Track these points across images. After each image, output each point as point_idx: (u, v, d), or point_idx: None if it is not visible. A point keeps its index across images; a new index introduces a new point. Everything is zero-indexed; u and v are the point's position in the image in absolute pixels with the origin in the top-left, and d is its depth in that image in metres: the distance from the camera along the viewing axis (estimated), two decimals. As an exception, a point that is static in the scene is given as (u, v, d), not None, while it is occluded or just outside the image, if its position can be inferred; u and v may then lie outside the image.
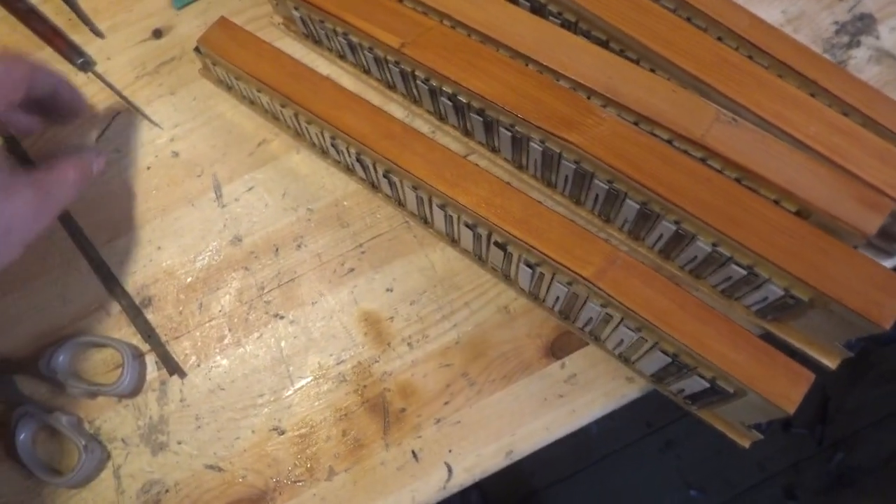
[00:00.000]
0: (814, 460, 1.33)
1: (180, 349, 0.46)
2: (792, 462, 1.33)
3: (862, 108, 0.39)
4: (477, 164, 0.39)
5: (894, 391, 1.34)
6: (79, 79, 0.52)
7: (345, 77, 0.50)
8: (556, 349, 0.43)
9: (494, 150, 0.45)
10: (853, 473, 1.31)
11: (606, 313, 0.37)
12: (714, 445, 1.34)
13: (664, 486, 1.34)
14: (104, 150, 0.46)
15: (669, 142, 0.38)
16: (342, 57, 0.49)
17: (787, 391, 0.33)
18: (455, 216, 0.40)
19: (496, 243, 0.39)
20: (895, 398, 1.33)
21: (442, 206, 0.40)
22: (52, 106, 0.43)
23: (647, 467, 1.35)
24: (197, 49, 0.48)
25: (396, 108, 0.48)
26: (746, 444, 0.40)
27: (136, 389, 0.45)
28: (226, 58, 0.45)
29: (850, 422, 1.33)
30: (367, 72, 0.49)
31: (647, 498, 1.34)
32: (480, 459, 0.42)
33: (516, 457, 0.42)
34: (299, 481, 0.42)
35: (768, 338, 0.38)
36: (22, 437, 0.44)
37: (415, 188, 0.41)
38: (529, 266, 0.38)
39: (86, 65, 0.52)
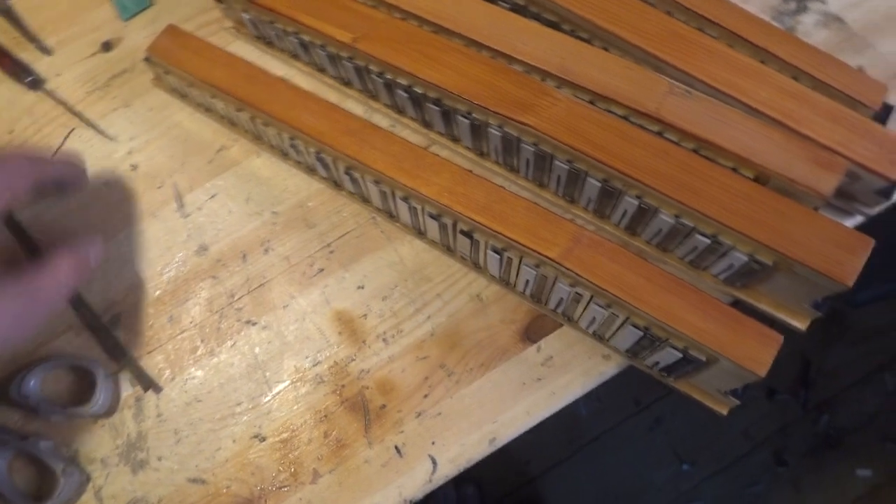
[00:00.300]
0: (800, 424, 1.35)
1: (153, 364, 0.45)
2: (779, 428, 1.35)
3: (811, 72, 0.40)
4: (437, 155, 0.39)
5: (871, 350, 1.36)
6: (28, 97, 0.51)
7: (300, 77, 0.50)
8: (531, 333, 0.43)
9: (455, 140, 0.45)
10: (839, 434, 1.34)
11: (576, 293, 0.37)
12: (701, 419, 1.36)
13: (656, 462, 1.35)
14: (96, 235, 0.43)
15: (625, 118, 0.38)
16: (295, 57, 0.49)
17: (758, 354, 0.33)
18: (419, 208, 0.40)
19: (462, 232, 0.39)
20: (872, 357, 1.36)
21: (405, 199, 0.40)
22: (55, 189, 0.42)
23: (638, 445, 1.37)
24: (147, 59, 0.47)
25: (354, 105, 0.48)
26: (724, 410, 0.40)
27: (111, 409, 0.44)
28: (177, 66, 0.45)
29: (831, 384, 1.36)
30: (321, 70, 0.48)
31: (640, 474, 1.35)
32: (464, 449, 0.42)
33: (500, 443, 0.42)
34: (284, 487, 0.42)
35: (738, 305, 0.38)
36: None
37: (377, 182, 0.41)
38: (497, 252, 0.38)
39: (35, 83, 0.51)
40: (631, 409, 1.39)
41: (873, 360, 1.37)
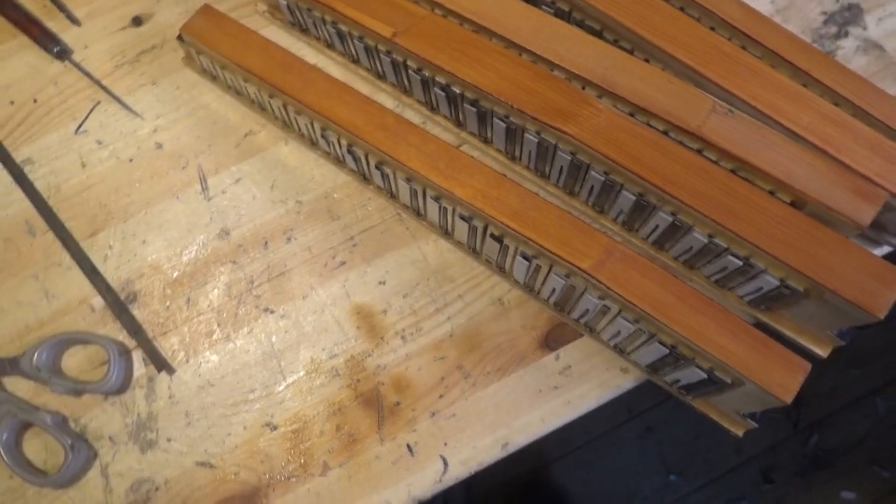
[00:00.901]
0: (789, 443, 1.35)
1: (168, 345, 0.45)
2: (769, 445, 1.36)
3: (853, 99, 0.39)
4: (471, 156, 0.39)
5: (866, 374, 1.37)
6: (55, 67, 0.51)
7: (332, 67, 0.49)
8: (551, 341, 0.43)
9: (486, 141, 0.45)
10: (828, 455, 1.34)
11: (604, 305, 0.37)
12: (693, 430, 1.36)
13: (644, 470, 1.36)
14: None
15: (665, 133, 0.38)
16: (330, 46, 0.49)
17: (785, 381, 0.33)
18: (450, 208, 0.40)
19: (492, 236, 0.39)
20: (867, 381, 1.36)
21: (436, 199, 0.40)
22: None
23: (627, 453, 1.37)
24: (180, 37, 0.46)
25: (386, 99, 0.48)
26: (740, 432, 0.40)
27: (122, 386, 0.44)
28: (211, 47, 0.44)
29: (824, 404, 1.36)
30: (355, 61, 0.48)
31: (628, 482, 1.35)
32: (476, 452, 0.42)
33: (512, 448, 0.42)
34: (293, 477, 0.42)
35: (760, 327, 0.38)
36: (4, 437, 0.42)
37: (408, 180, 0.40)
38: (526, 258, 0.38)
39: (62, 53, 0.50)
40: (623, 416, 1.39)
41: (867, 384, 1.37)
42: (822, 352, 0.40)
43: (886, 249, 0.43)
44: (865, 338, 1.35)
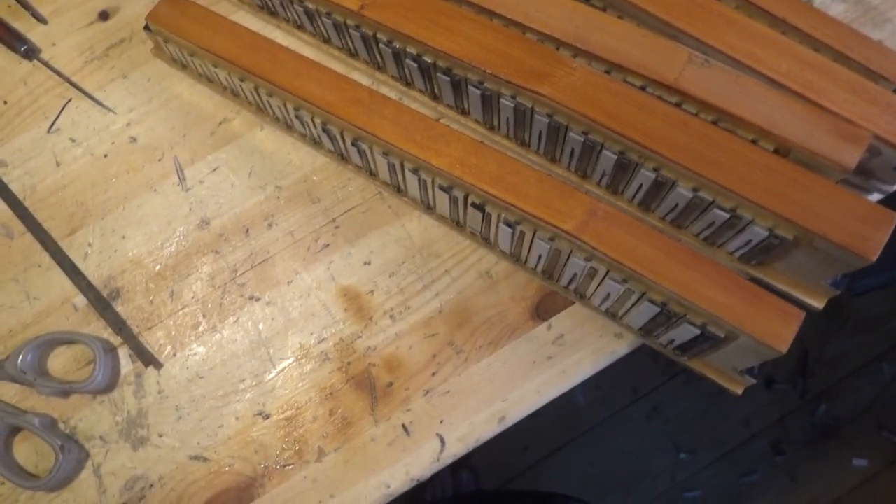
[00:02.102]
0: (798, 414, 1.35)
1: (154, 340, 0.44)
2: (777, 417, 1.35)
3: (832, 44, 0.38)
4: (448, 126, 0.38)
5: (870, 341, 1.36)
6: (23, 67, 0.50)
7: (304, 48, 0.48)
8: (542, 311, 0.42)
9: (464, 113, 0.44)
10: (837, 423, 1.33)
11: (591, 267, 0.36)
12: (700, 407, 1.36)
13: (654, 450, 1.35)
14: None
15: (643, 88, 0.37)
16: (300, 27, 0.48)
17: (778, 330, 0.32)
18: (429, 180, 0.39)
19: (473, 204, 0.38)
20: (871, 347, 1.36)
21: (415, 171, 0.39)
22: None
23: (635, 433, 1.36)
24: (147, 27, 0.46)
25: (360, 77, 0.47)
26: (739, 390, 0.39)
27: (110, 384, 0.43)
28: (178, 33, 0.43)
29: (830, 373, 1.35)
30: (327, 41, 0.47)
31: (638, 463, 1.35)
32: (473, 428, 0.41)
33: (509, 422, 0.41)
34: (288, 465, 0.41)
35: (753, 283, 0.37)
36: None
37: (385, 154, 0.39)
38: (509, 225, 0.37)
39: (30, 52, 0.49)
40: (629, 397, 1.39)
41: (871, 350, 1.37)
42: (818, 303, 0.39)
43: (877, 197, 0.42)
44: (867, 304, 1.35)
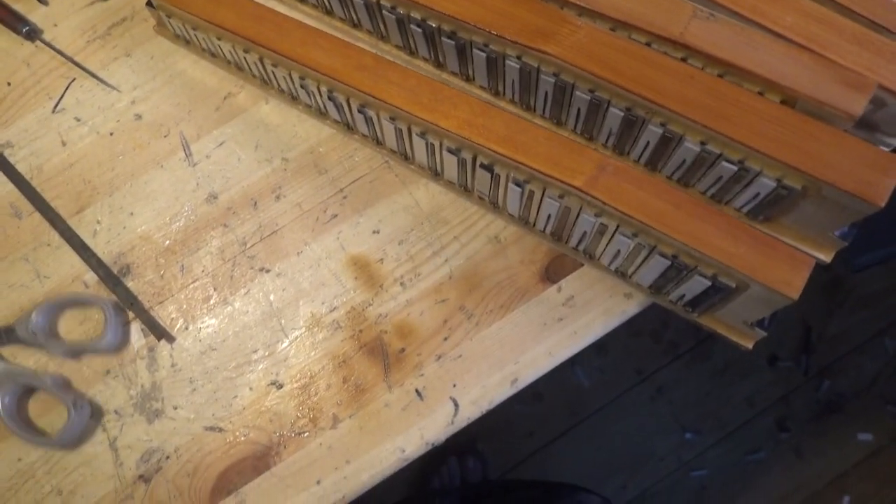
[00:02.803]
0: (801, 391, 1.35)
1: (166, 314, 0.44)
2: (781, 395, 1.35)
3: (836, -2, 0.39)
4: (454, 88, 0.38)
5: (871, 316, 1.37)
6: (26, 48, 0.50)
7: (307, 21, 0.48)
8: (551, 273, 0.43)
9: (469, 79, 0.44)
10: (840, 399, 1.34)
11: (601, 223, 0.36)
12: (704, 388, 1.36)
13: (659, 431, 1.36)
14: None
15: (648, 44, 0.37)
16: (302, 0, 0.48)
17: (790, 277, 0.33)
18: (437, 143, 0.39)
19: (482, 165, 0.38)
20: (872, 322, 1.36)
21: (422, 135, 0.39)
22: None
23: (640, 415, 1.37)
24: (149, 3, 0.46)
25: (364, 48, 0.47)
26: (750, 344, 0.39)
27: (120, 345, 0.43)
28: (181, 6, 0.43)
29: (832, 350, 1.36)
30: (329, 12, 0.47)
31: (643, 444, 1.35)
32: (486, 391, 0.41)
33: (521, 384, 0.41)
34: (303, 432, 0.41)
35: (762, 237, 0.37)
36: (7, 399, 0.42)
37: (392, 119, 0.40)
38: (518, 185, 0.37)
39: (32, 33, 0.49)
40: (633, 379, 1.39)
41: (873, 325, 1.37)
42: (826, 256, 0.39)
43: (884, 150, 0.42)
44: (868, 280, 1.36)
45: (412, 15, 0.41)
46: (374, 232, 0.44)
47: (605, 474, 1.35)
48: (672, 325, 1.38)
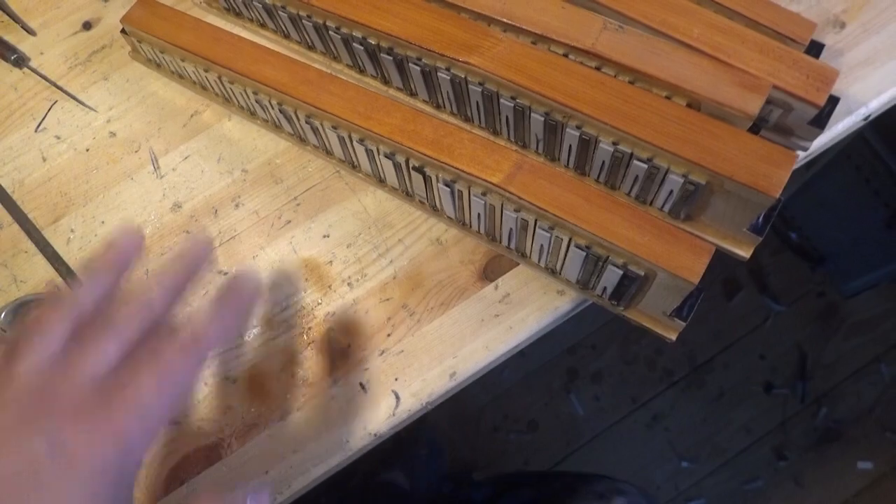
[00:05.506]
0: (799, 418, 1.34)
1: (129, 314, 0.47)
2: (778, 422, 1.35)
3: (743, 11, 0.42)
4: (388, 98, 0.41)
5: (866, 342, 1.36)
6: (14, 75, 0.54)
7: (267, 45, 0.52)
8: (489, 272, 0.45)
9: (413, 94, 0.48)
10: (839, 426, 1.33)
11: (522, 219, 0.39)
12: (700, 415, 1.36)
13: (655, 459, 1.35)
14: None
15: (565, 55, 0.40)
16: (262, 25, 0.52)
17: (691, 264, 0.35)
18: (374, 149, 0.42)
19: (415, 168, 0.41)
20: (868, 348, 1.36)
21: (361, 141, 0.42)
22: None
23: (636, 443, 1.36)
24: (123, 30, 0.50)
25: (309, 64, 0.51)
26: (673, 336, 0.41)
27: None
28: (148, 31, 0.47)
29: (829, 376, 1.35)
30: (287, 36, 0.51)
31: (640, 473, 1.34)
32: (426, 384, 0.43)
33: (460, 377, 0.43)
34: (254, 424, 0.44)
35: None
36: None
37: (335, 128, 0.43)
38: (447, 185, 0.40)
39: (20, 61, 0.53)
40: (628, 406, 1.39)
41: (869, 351, 1.36)
42: (745, 252, 0.41)
43: (802, 156, 0.45)
44: (861, 307, 1.36)
45: (354, 34, 0.44)
46: (324, 236, 0.47)
47: None
48: (666, 353, 1.39)
